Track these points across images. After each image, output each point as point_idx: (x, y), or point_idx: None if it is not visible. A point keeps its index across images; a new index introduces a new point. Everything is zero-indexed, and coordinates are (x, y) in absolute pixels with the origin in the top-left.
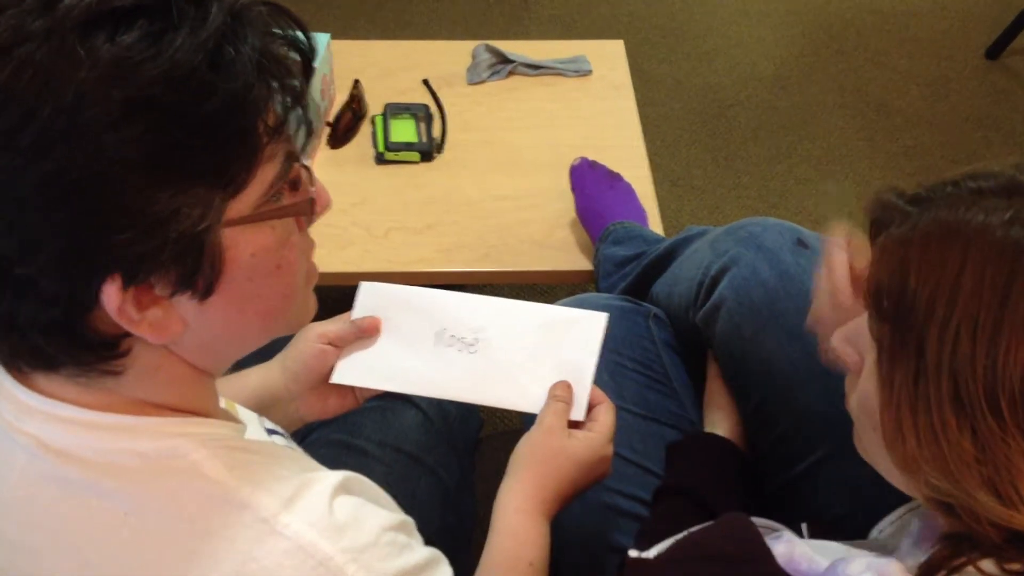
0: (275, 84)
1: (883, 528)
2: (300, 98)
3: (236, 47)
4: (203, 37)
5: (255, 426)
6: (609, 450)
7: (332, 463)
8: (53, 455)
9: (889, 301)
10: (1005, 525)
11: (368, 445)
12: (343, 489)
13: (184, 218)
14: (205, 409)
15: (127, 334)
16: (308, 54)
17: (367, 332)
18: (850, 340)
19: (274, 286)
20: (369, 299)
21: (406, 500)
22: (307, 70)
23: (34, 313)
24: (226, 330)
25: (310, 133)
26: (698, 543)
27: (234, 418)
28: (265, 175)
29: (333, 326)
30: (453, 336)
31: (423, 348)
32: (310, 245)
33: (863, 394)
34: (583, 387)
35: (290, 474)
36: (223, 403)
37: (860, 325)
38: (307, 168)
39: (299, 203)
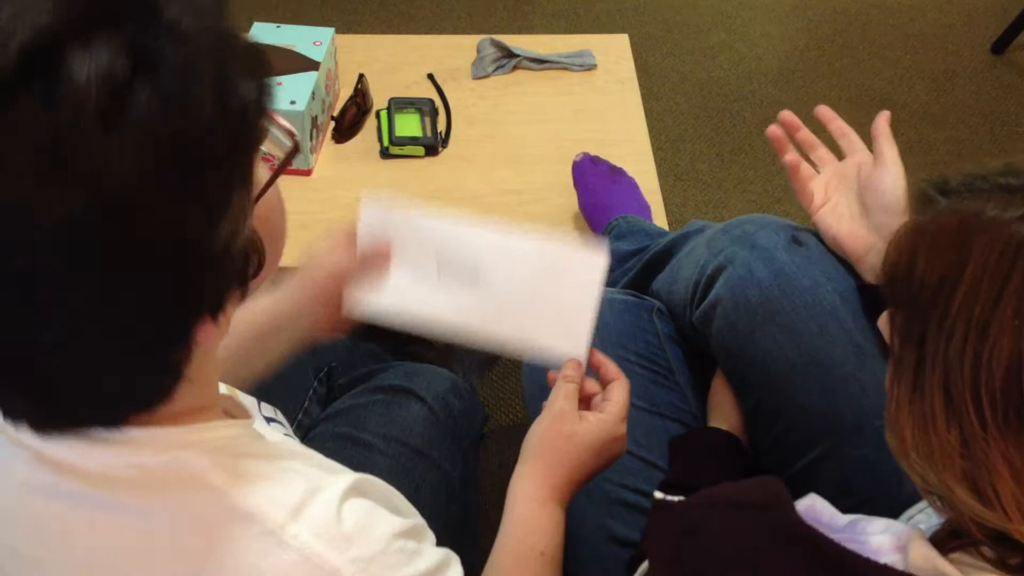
0: (255, 82)
1: (912, 515)
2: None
3: (231, 83)
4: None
5: (254, 414)
6: (622, 429)
7: (337, 457)
8: (54, 468)
9: (901, 286)
10: (983, 523)
11: (373, 439)
12: (354, 491)
13: (239, 234)
14: (211, 400)
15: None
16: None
17: (377, 263)
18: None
19: (278, 250)
20: (373, 222)
21: (410, 494)
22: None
23: (118, 387)
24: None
25: None
26: (723, 491)
27: (239, 405)
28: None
29: (340, 260)
30: (454, 267)
31: (429, 281)
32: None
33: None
34: (584, 329)
35: (298, 479)
36: (224, 389)
37: None
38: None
39: (286, 152)
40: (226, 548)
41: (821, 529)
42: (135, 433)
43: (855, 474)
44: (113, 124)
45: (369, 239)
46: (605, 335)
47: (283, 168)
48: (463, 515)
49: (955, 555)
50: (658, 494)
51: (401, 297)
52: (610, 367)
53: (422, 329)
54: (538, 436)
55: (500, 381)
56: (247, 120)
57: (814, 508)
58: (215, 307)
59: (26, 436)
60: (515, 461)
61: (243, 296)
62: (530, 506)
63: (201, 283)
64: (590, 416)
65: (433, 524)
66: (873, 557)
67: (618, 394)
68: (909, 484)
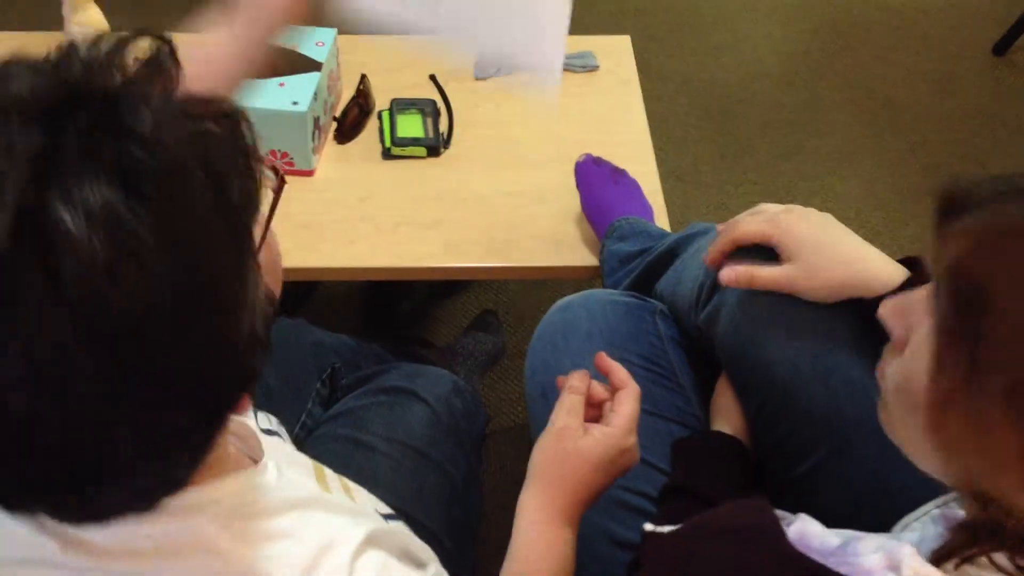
0: (243, 158)
1: (908, 523)
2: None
3: (222, 174)
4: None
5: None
6: (630, 441)
7: (340, 458)
8: (59, 540)
9: (957, 283)
10: None
11: (375, 440)
12: (369, 543)
13: (257, 303)
14: (224, 451)
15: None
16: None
17: None
18: (901, 313)
19: (279, 280)
20: None
21: (412, 495)
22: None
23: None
24: None
25: None
26: (713, 519)
27: (252, 434)
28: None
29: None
30: None
31: None
32: None
33: (905, 373)
34: (558, 43)
35: (310, 533)
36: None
37: (914, 299)
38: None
39: (277, 186)
40: None
41: (813, 556)
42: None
43: (858, 477)
44: (119, 267)
45: None
46: (608, 337)
47: (274, 211)
48: (465, 517)
49: (963, 568)
50: (648, 526)
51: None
52: (619, 372)
53: (401, 29)
54: (541, 455)
55: (502, 382)
56: (245, 202)
57: (804, 533)
58: (250, 381)
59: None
60: (517, 462)
61: (264, 349)
62: (536, 528)
63: (238, 370)
64: (595, 431)
65: (436, 525)
66: None
67: (626, 405)
68: (915, 487)
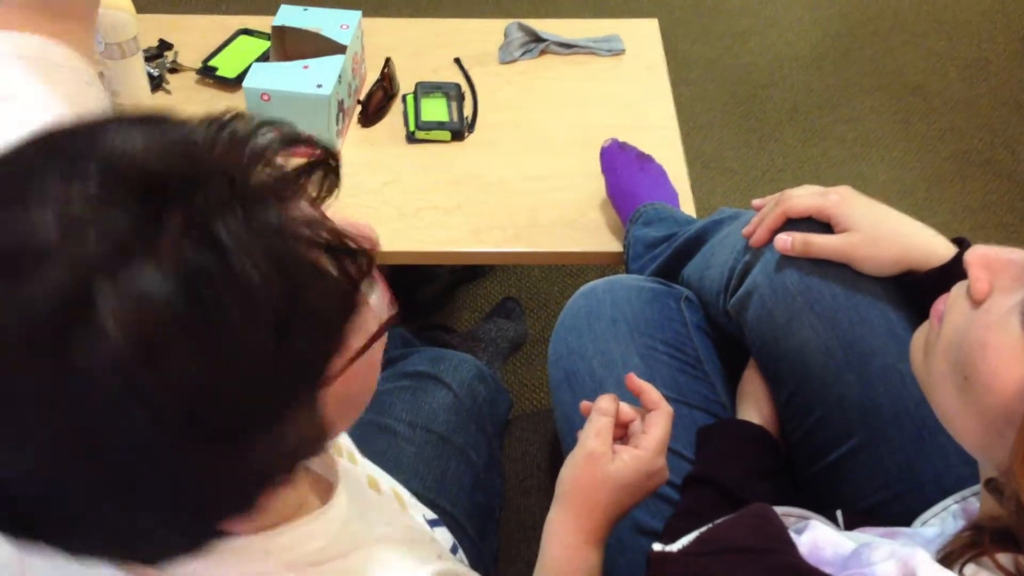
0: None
1: (927, 519)
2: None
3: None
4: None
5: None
6: (659, 463)
7: (362, 443)
8: None
9: None
10: None
11: (398, 425)
12: None
13: (292, 441)
14: (299, 498)
15: None
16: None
17: None
18: (989, 265)
19: (352, 417)
20: None
21: (435, 481)
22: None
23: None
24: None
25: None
26: (721, 536)
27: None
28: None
29: None
30: None
31: None
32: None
33: (975, 330)
34: None
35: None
36: None
37: (1007, 258)
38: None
39: (382, 321)
40: None
41: (826, 568)
42: (220, 546)
43: (890, 467)
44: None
45: None
46: (632, 323)
47: (375, 339)
48: (487, 502)
49: (968, 568)
50: (656, 546)
51: None
52: (651, 393)
53: None
54: (571, 478)
55: (524, 368)
56: (319, 344)
57: (816, 543)
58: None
59: None
60: (538, 448)
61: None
62: (565, 552)
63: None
64: (624, 454)
65: (457, 511)
66: None
67: (657, 427)
68: (947, 479)
